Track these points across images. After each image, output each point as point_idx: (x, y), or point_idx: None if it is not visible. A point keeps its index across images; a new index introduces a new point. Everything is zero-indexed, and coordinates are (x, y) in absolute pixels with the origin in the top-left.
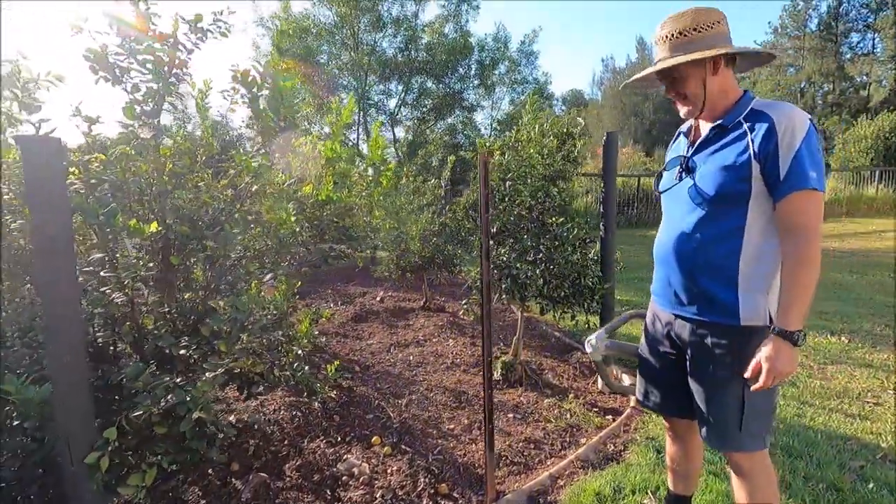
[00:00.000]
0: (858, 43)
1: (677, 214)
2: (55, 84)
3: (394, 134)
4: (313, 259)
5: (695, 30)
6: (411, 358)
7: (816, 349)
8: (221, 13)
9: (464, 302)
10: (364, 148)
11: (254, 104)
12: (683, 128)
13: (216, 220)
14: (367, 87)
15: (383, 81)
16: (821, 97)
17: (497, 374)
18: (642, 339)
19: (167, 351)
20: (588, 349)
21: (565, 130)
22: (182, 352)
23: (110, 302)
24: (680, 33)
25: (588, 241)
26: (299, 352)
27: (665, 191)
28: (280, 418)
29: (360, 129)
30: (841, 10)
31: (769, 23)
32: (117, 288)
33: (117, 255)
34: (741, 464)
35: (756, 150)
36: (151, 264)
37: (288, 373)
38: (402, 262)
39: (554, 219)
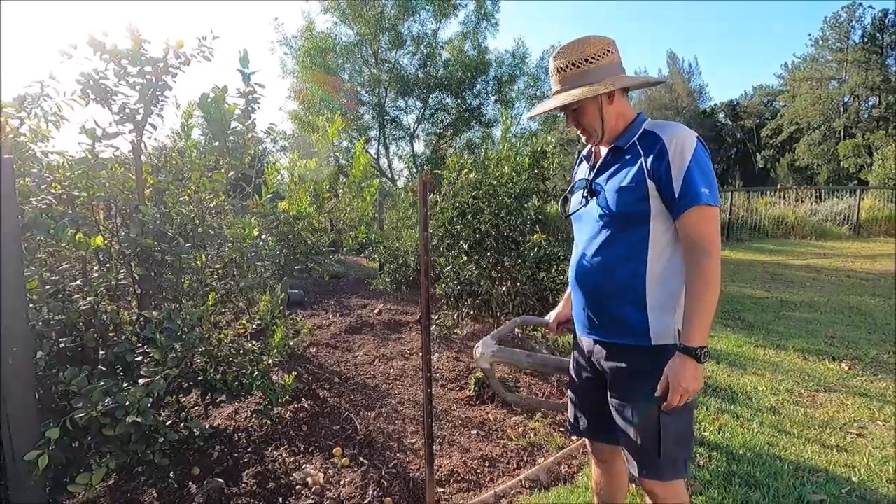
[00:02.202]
0: None
1: (584, 238)
2: (80, 103)
3: (412, 148)
4: (280, 272)
5: (586, 61)
6: (391, 371)
7: (811, 375)
8: (205, 38)
9: (436, 317)
10: (384, 163)
11: (212, 126)
12: (584, 152)
13: (180, 233)
14: (385, 103)
15: (402, 97)
16: (866, 111)
17: (470, 391)
18: (571, 364)
19: (126, 358)
20: (476, 355)
21: (538, 149)
22: (139, 358)
23: (75, 310)
24: (573, 65)
25: (563, 259)
26: (269, 362)
27: (572, 214)
28: (249, 426)
29: (379, 145)
30: (887, 21)
31: (809, 34)
32: (86, 296)
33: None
34: (656, 491)
35: (649, 169)
36: (122, 274)
37: (248, 381)
38: (399, 276)
39: (536, 235)
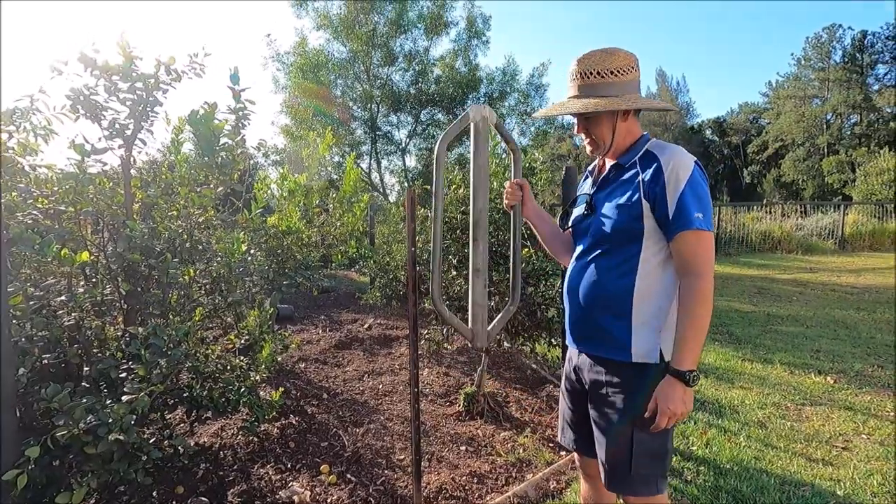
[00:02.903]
0: (885, 74)
1: (580, 250)
2: (69, 117)
3: (404, 163)
4: (269, 287)
5: (612, 73)
6: (381, 386)
7: (797, 389)
8: (196, 55)
9: (425, 332)
10: (375, 177)
11: (201, 142)
12: (590, 167)
13: (168, 248)
14: (377, 119)
15: (394, 113)
16: (848, 128)
17: (459, 406)
18: (562, 377)
19: (111, 374)
20: (472, 112)
21: (526, 166)
22: (123, 375)
23: (59, 325)
24: (598, 73)
25: (551, 274)
26: (256, 378)
27: (572, 227)
28: (235, 443)
29: (371, 160)
30: (866, 41)
31: (792, 54)
32: (71, 311)
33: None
34: None
35: (646, 190)
36: (108, 289)
37: (234, 398)
38: (389, 290)
39: (525, 250)
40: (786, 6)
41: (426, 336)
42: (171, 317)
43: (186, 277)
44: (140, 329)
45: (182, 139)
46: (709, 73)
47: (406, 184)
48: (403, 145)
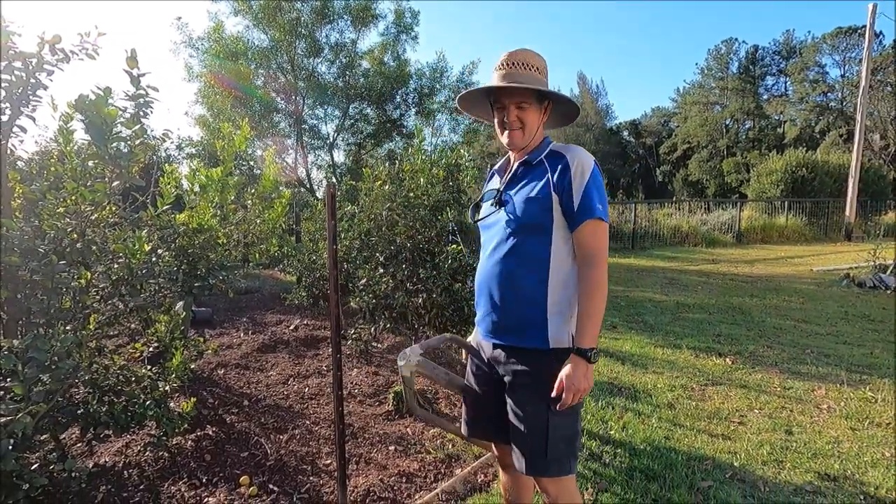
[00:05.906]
0: (773, 85)
1: (491, 245)
2: None
3: (332, 158)
4: (179, 290)
5: (538, 70)
6: (307, 390)
7: (701, 371)
8: (88, 34)
9: (352, 331)
10: (301, 172)
11: (91, 131)
12: (497, 166)
13: (54, 250)
14: (303, 111)
15: (321, 106)
16: (743, 133)
17: (389, 405)
18: (468, 369)
19: None
20: (400, 362)
21: (452, 162)
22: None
23: None
24: (537, 69)
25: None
26: (166, 388)
27: (481, 220)
28: (143, 460)
29: (297, 154)
30: (757, 55)
31: (696, 64)
32: None
33: None
34: (548, 489)
35: (555, 183)
36: None
37: (139, 411)
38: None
39: (453, 246)
40: (693, 15)
41: (353, 336)
42: (59, 326)
43: (83, 281)
44: (15, 342)
45: (73, 128)
46: (626, 77)
47: (334, 179)
48: (331, 140)
